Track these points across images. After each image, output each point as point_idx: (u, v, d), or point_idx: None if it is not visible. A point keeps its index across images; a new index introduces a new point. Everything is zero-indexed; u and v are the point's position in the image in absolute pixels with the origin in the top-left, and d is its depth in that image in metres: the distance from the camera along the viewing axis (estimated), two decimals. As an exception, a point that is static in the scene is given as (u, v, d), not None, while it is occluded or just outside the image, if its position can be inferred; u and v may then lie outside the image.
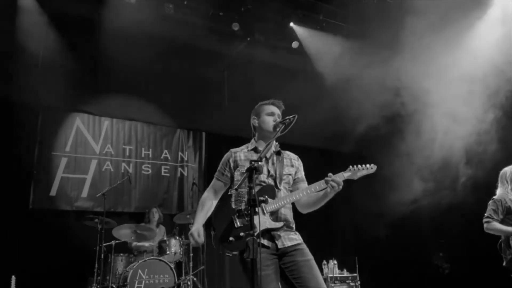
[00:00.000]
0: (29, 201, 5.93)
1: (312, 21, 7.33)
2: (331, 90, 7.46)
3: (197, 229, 2.57)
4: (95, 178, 6.47)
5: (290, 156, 2.76)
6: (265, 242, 2.46)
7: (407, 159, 7.94)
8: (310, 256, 2.49)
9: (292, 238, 2.53)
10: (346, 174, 2.50)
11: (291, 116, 2.53)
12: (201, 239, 2.53)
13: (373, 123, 7.81)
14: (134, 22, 6.59)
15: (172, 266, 5.29)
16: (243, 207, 2.30)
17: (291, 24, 7.43)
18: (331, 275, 6.43)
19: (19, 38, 6.00)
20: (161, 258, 5.34)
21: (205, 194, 2.76)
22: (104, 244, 5.35)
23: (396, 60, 6.84)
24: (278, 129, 2.58)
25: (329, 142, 8.41)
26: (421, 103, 7.01)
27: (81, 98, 6.57)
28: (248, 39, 7.56)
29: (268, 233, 2.49)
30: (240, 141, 3.00)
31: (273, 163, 2.65)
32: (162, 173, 7.06)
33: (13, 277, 4.42)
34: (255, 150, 2.69)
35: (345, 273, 6.57)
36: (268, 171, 2.62)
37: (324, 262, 6.73)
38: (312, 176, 2.70)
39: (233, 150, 2.76)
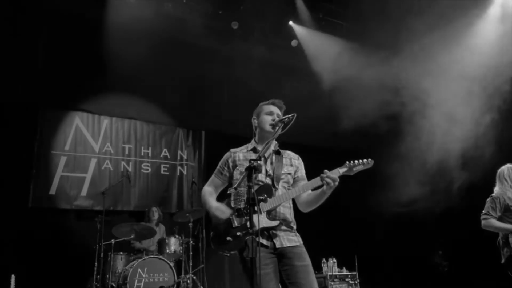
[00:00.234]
0: (28, 200, 5.92)
1: (312, 19, 7.33)
2: (329, 88, 7.48)
3: (218, 206, 2.53)
4: (95, 176, 6.47)
5: (290, 156, 2.75)
6: (263, 241, 2.46)
7: (406, 158, 7.96)
8: (307, 261, 2.48)
9: (291, 239, 2.52)
10: (342, 170, 2.48)
11: (290, 115, 2.53)
12: (228, 212, 2.48)
13: (371, 122, 7.84)
14: (133, 21, 6.59)
15: (172, 264, 5.30)
16: (242, 206, 2.30)
17: (290, 22, 7.44)
18: (331, 273, 6.44)
19: (18, 37, 6.00)
20: (160, 256, 5.35)
21: (207, 187, 2.76)
22: (104, 243, 5.35)
23: (395, 59, 6.87)
24: (277, 128, 2.58)
25: (327, 141, 8.41)
26: (419, 103, 7.04)
27: (81, 96, 6.57)
28: (248, 37, 7.57)
29: (267, 232, 2.48)
30: (239, 140, 3.01)
31: (271, 163, 2.65)
32: (162, 172, 7.06)
33: (13, 276, 4.42)
34: (254, 150, 2.69)
35: (345, 271, 6.58)
36: (266, 171, 2.61)
37: (324, 260, 6.75)
38: (312, 175, 2.70)
39: (232, 150, 2.76)
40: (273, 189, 2.54)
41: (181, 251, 5.61)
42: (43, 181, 6.10)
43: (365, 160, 2.51)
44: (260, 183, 2.56)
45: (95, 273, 5.23)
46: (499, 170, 4.11)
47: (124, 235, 5.48)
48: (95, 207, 6.23)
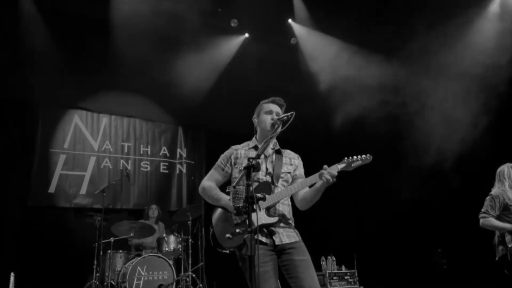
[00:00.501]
0: (27, 198, 5.92)
1: (310, 18, 7.31)
2: (326, 87, 7.50)
3: (227, 203, 2.51)
4: (94, 175, 6.47)
5: (290, 155, 2.78)
6: (263, 238, 2.47)
7: (404, 157, 7.96)
8: (307, 256, 2.50)
9: (290, 235, 2.54)
10: (340, 166, 2.48)
11: (288, 114, 2.54)
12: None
13: (370, 121, 7.87)
14: (132, 19, 6.58)
15: (171, 262, 5.31)
16: (241, 204, 2.30)
17: (289, 20, 7.43)
18: (330, 271, 6.45)
19: (16, 35, 5.99)
20: (160, 254, 5.35)
21: (208, 182, 2.72)
22: (103, 241, 5.36)
23: (394, 59, 6.89)
24: (276, 127, 2.59)
25: (326, 138, 8.42)
26: (417, 102, 7.06)
27: (80, 95, 6.57)
28: (247, 35, 7.56)
29: (266, 229, 2.49)
30: (238, 138, 3.01)
31: (272, 161, 2.66)
32: (161, 170, 7.06)
33: (12, 274, 4.42)
34: (255, 148, 2.71)
35: (343, 269, 6.60)
36: (267, 169, 2.63)
37: (323, 258, 6.76)
38: (308, 172, 2.70)
39: (234, 147, 2.77)
40: (272, 186, 2.56)
41: (180, 249, 5.61)
42: (42, 180, 6.10)
43: (363, 156, 2.51)
44: (260, 181, 2.58)
45: (94, 271, 5.24)
46: (499, 169, 4.13)
47: (123, 233, 5.49)
48: (95, 205, 6.24)
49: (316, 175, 2.46)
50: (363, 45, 7.17)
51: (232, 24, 7.28)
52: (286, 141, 2.94)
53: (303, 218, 2.92)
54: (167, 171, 7.10)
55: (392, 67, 6.84)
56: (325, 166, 2.43)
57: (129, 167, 6.73)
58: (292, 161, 2.74)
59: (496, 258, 3.90)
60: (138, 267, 5.10)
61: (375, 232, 8.14)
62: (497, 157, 4.44)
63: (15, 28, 5.99)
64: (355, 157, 2.51)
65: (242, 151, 2.71)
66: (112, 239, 5.40)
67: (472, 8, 6.67)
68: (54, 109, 6.42)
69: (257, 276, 2.14)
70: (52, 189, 6.13)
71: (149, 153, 7.03)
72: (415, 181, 7.17)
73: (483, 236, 4.21)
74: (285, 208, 2.61)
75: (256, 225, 2.18)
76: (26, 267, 5.25)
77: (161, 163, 7.10)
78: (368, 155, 2.52)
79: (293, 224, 2.64)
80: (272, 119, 2.66)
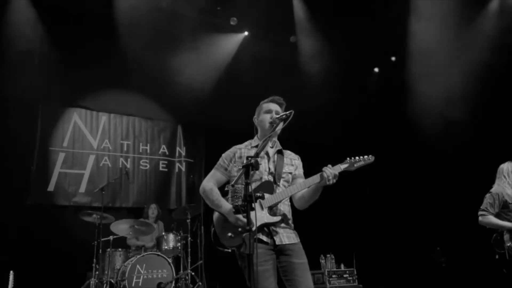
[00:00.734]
0: (27, 197, 5.92)
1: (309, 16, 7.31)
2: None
3: (228, 213, 2.47)
4: (93, 173, 6.47)
5: (291, 156, 2.80)
6: (264, 238, 2.48)
7: (401, 154, 7.98)
8: (305, 259, 2.52)
9: (290, 236, 2.55)
10: (343, 166, 2.51)
11: (287, 112, 2.55)
12: (244, 220, 2.38)
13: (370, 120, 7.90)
14: (131, 17, 6.57)
15: (170, 261, 5.31)
16: (239, 203, 2.31)
17: (289, 19, 7.42)
18: (329, 270, 6.46)
19: (15, 33, 5.98)
20: (159, 253, 5.35)
21: (210, 184, 2.68)
22: (102, 239, 5.36)
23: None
24: (274, 126, 2.60)
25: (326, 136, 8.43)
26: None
27: (79, 93, 6.56)
28: (246, 33, 7.55)
29: (267, 229, 2.50)
30: (238, 136, 3.01)
31: (274, 161, 2.68)
32: (160, 169, 7.06)
33: (11, 272, 4.42)
34: (257, 147, 2.71)
35: (342, 268, 6.61)
36: (269, 168, 2.64)
37: (322, 256, 6.77)
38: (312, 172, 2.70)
39: (237, 146, 2.77)
40: (274, 185, 2.57)
41: (179, 248, 5.62)
42: (42, 178, 6.10)
43: (366, 157, 2.54)
44: (263, 180, 2.59)
45: (93, 269, 5.24)
46: (499, 167, 4.14)
47: (122, 232, 5.49)
48: (94, 204, 6.24)
49: (318, 175, 2.47)
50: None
51: (232, 23, 7.27)
52: (288, 139, 2.95)
53: (303, 217, 2.93)
54: (166, 170, 7.10)
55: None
56: (329, 165, 2.45)
57: (128, 166, 6.73)
58: (293, 162, 2.77)
59: (496, 257, 3.90)
60: (138, 265, 5.10)
61: (374, 230, 8.16)
62: (497, 155, 4.45)
63: (11, 25, 5.98)
64: (357, 157, 2.53)
65: (244, 150, 2.71)
66: (111, 237, 5.41)
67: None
68: (53, 107, 6.41)
69: (256, 274, 2.15)
70: (51, 187, 6.13)
71: (148, 151, 7.02)
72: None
73: (482, 234, 4.22)
74: (285, 208, 2.62)
75: (255, 224, 2.19)
76: (26, 266, 5.24)
77: (160, 162, 7.10)
78: (370, 155, 2.54)
79: (292, 225, 2.65)
80: (271, 118, 2.67)
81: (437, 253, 7.61)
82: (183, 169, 7.22)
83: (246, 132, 2.90)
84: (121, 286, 5.02)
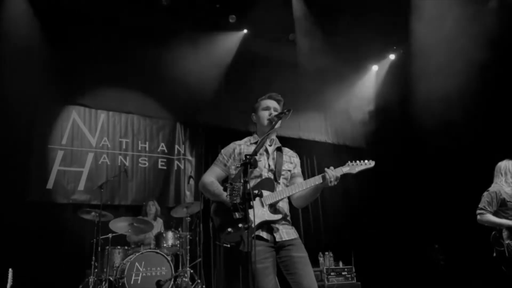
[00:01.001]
0: (25, 194, 5.92)
1: (307, 14, 7.30)
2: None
3: (227, 199, 2.45)
4: (92, 171, 6.47)
5: (289, 153, 2.82)
6: (263, 234, 2.49)
7: (402, 152, 7.99)
8: (305, 253, 2.54)
9: (289, 233, 2.57)
10: (344, 169, 2.56)
11: (285, 110, 2.57)
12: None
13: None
14: (129, 14, 6.56)
15: (169, 258, 5.31)
16: (238, 200, 2.32)
17: (287, 17, 7.41)
18: (327, 267, 6.48)
19: (12, 30, 5.96)
20: (158, 250, 5.35)
21: (209, 178, 2.69)
22: (101, 237, 5.37)
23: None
24: (273, 123, 2.61)
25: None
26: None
27: (77, 91, 6.55)
28: (245, 31, 7.54)
29: (267, 226, 2.52)
30: (237, 134, 3.02)
31: (273, 158, 2.69)
32: (159, 166, 7.05)
33: (10, 270, 4.43)
34: (256, 144, 2.72)
35: (341, 265, 6.63)
36: (269, 165, 2.66)
37: (320, 254, 6.79)
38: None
39: (236, 142, 2.78)
40: (275, 183, 2.59)
41: (178, 245, 5.62)
42: (40, 176, 6.09)
43: (366, 161, 2.61)
44: (263, 177, 2.60)
45: (92, 267, 5.25)
46: (497, 165, 4.17)
47: (121, 229, 5.50)
48: (93, 201, 6.24)
49: (320, 176, 2.51)
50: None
51: (231, 20, 7.26)
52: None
53: (301, 214, 2.94)
54: (165, 167, 7.10)
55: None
56: (331, 167, 2.49)
57: (127, 163, 6.72)
58: (292, 159, 2.79)
59: (494, 255, 3.91)
60: (136, 263, 5.11)
61: (372, 228, 8.17)
62: (495, 152, 4.46)
63: (8, 23, 5.97)
64: (358, 161, 2.60)
65: (244, 147, 2.72)
66: (110, 235, 5.41)
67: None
68: (51, 105, 6.40)
69: (255, 272, 2.16)
70: (50, 185, 6.12)
71: (147, 149, 7.02)
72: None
73: (481, 232, 4.23)
74: (285, 205, 2.65)
75: (253, 222, 2.21)
76: (24, 263, 5.25)
77: (159, 159, 7.09)
78: (371, 160, 2.62)
79: (290, 221, 2.67)
80: (269, 115, 2.68)
81: (435, 250, 7.63)
82: (182, 167, 7.22)
83: (245, 129, 2.91)
84: (120, 284, 5.03)
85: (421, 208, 7.31)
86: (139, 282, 5.04)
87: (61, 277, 5.63)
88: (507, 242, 3.76)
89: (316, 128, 8.33)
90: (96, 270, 5.25)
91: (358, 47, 8.10)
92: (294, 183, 2.69)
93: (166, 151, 7.18)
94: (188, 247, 5.76)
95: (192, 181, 6.82)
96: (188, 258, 5.69)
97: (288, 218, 2.65)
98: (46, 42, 6.26)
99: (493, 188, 4.03)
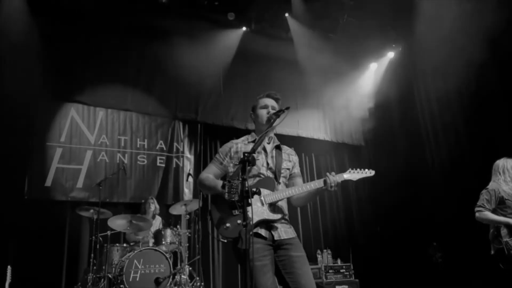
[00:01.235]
0: (24, 192, 5.91)
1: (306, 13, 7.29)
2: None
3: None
4: (90, 168, 6.46)
5: (288, 151, 2.83)
6: (262, 232, 2.50)
7: (400, 150, 7.98)
8: (303, 252, 2.56)
9: (288, 231, 2.59)
10: (346, 176, 2.63)
11: (283, 108, 2.58)
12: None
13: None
14: (128, 11, 6.54)
15: (168, 256, 5.32)
16: (236, 198, 2.32)
17: (286, 14, 7.40)
18: (325, 265, 6.49)
19: (9, 27, 5.94)
20: (156, 248, 5.36)
21: (205, 174, 2.73)
22: (100, 235, 5.37)
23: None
24: (271, 121, 2.62)
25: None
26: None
27: (76, 88, 6.53)
28: (244, 28, 7.53)
29: (266, 224, 2.53)
30: (235, 132, 3.03)
31: (272, 157, 2.70)
32: (158, 164, 7.05)
33: (9, 267, 4.43)
34: (254, 142, 2.73)
35: (339, 263, 6.64)
36: (268, 164, 2.67)
37: (319, 251, 6.81)
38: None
39: (234, 141, 2.80)
40: (276, 183, 2.61)
41: (177, 243, 5.63)
42: (39, 173, 6.08)
43: (366, 170, 2.70)
44: (262, 175, 2.62)
45: (91, 264, 5.26)
46: (494, 164, 4.20)
47: (120, 227, 5.50)
48: (91, 199, 6.23)
49: (322, 180, 2.55)
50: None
51: (230, 18, 7.24)
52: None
53: (299, 211, 2.95)
54: (163, 165, 7.09)
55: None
56: (333, 173, 2.55)
57: (125, 161, 6.72)
58: (290, 157, 2.80)
59: (492, 252, 3.93)
60: (135, 260, 5.11)
61: (371, 226, 8.19)
62: (493, 150, 4.47)
63: (6, 20, 5.95)
64: (359, 169, 2.68)
65: (241, 145, 2.73)
66: (109, 233, 5.41)
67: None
68: (50, 102, 6.38)
69: (253, 269, 2.16)
70: (48, 182, 6.11)
71: (145, 147, 7.01)
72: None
73: (479, 230, 4.24)
74: (283, 204, 2.66)
75: (252, 219, 2.22)
76: (23, 261, 5.25)
77: (158, 157, 7.09)
78: (371, 170, 2.71)
79: (289, 220, 2.69)
80: (268, 113, 2.69)
81: (433, 248, 7.65)
82: (181, 164, 7.21)
83: (244, 127, 2.92)
84: (119, 281, 5.03)
85: (419, 205, 7.32)
86: (137, 279, 5.04)
87: (60, 274, 5.64)
88: (505, 240, 3.77)
89: (314, 126, 8.32)
90: (94, 267, 5.25)
91: (357, 44, 8.10)
92: (293, 183, 2.73)
93: (164, 148, 7.17)
94: (187, 244, 5.77)
95: (190, 179, 6.82)
96: (186, 255, 5.70)
97: (287, 217, 2.67)
98: (44, 39, 6.24)
99: (491, 186, 4.05)
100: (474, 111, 6.60)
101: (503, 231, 3.81)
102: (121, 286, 4.96)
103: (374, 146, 8.56)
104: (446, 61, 6.88)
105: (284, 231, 2.56)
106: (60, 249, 5.79)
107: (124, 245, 5.61)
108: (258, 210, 2.46)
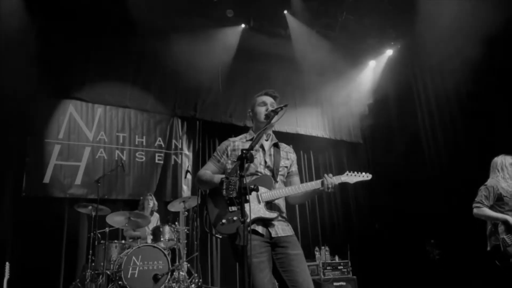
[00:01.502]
0: (22, 189, 5.91)
1: (305, 12, 7.28)
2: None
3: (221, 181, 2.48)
4: (89, 165, 6.46)
5: (286, 149, 2.84)
6: (259, 229, 2.51)
7: (398, 147, 7.99)
8: (300, 250, 2.57)
9: (285, 229, 2.59)
10: (343, 178, 2.65)
11: (282, 105, 2.59)
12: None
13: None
14: (127, 8, 6.52)
15: (166, 252, 5.33)
16: (234, 195, 2.33)
17: (285, 11, 7.39)
18: (323, 262, 6.51)
19: (7, 24, 5.92)
20: (155, 244, 5.37)
21: (203, 171, 2.75)
22: (98, 231, 5.38)
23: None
24: (270, 118, 2.62)
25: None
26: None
27: (74, 85, 6.53)
28: (243, 25, 7.52)
29: (262, 221, 2.53)
30: (234, 129, 3.03)
31: (270, 155, 2.71)
32: (156, 161, 7.05)
33: (7, 264, 4.44)
34: (252, 140, 2.73)
35: (337, 260, 6.66)
36: (265, 162, 2.67)
37: (316, 248, 6.82)
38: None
39: (231, 139, 2.81)
40: (273, 181, 2.61)
41: (175, 239, 5.64)
42: (37, 170, 6.07)
43: (364, 174, 2.72)
44: (259, 173, 2.63)
45: (89, 261, 5.26)
46: (493, 161, 4.22)
47: (118, 224, 5.51)
48: (90, 196, 6.23)
49: (319, 181, 2.56)
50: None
51: (228, 15, 7.23)
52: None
53: (297, 209, 2.96)
54: (162, 162, 7.10)
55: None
56: (330, 175, 2.56)
57: (124, 158, 6.72)
58: (289, 155, 2.81)
59: (488, 249, 3.95)
60: (133, 257, 5.12)
61: (369, 223, 8.20)
62: (491, 148, 4.48)
63: (3, 17, 5.93)
64: (356, 172, 2.70)
65: (239, 143, 2.74)
66: (107, 229, 5.42)
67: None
68: (48, 99, 6.37)
69: (250, 265, 2.17)
70: (47, 179, 6.11)
71: (144, 143, 7.01)
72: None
73: (476, 227, 4.26)
74: (281, 202, 2.67)
75: (249, 216, 2.23)
76: (21, 257, 5.26)
77: (156, 154, 7.09)
78: (368, 173, 2.73)
79: (286, 217, 2.70)
80: (266, 110, 2.69)
81: (431, 245, 7.67)
82: (179, 161, 7.22)
83: (243, 124, 2.92)
84: (117, 278, 5.04)
85: (417, 202, 7.33)
86: (136, 276, 5.05)
87: (58, 271, 5.65)
88: (502, 236, 3.79)
89: (313, 123, 8.33)
90: (93, 264, 5.26)
91: (356, 42, 8.10)
92: (291, 182, 2.75)
93: (163, 145, 7.17)
94: (185, 241, 5.78)
95: (189, 176, 6.82)
96: (185, 252, 5.71)
97: (284, 214, 2.67)
98: (42, 36, 6.22)
99: (490, 182, 4.07)
100: (472, 108, 6.62)
101: (501, 228, 3.83)
102: (120, 282, 4.97)
103: (372, 143, 8.59)
104: (445, 59, 6.89)
105: (282, 229, 2.57)
106: (58, 246, 5.80)
107: (123, 241, 5.61)
108: (254, 207, 2.47)
